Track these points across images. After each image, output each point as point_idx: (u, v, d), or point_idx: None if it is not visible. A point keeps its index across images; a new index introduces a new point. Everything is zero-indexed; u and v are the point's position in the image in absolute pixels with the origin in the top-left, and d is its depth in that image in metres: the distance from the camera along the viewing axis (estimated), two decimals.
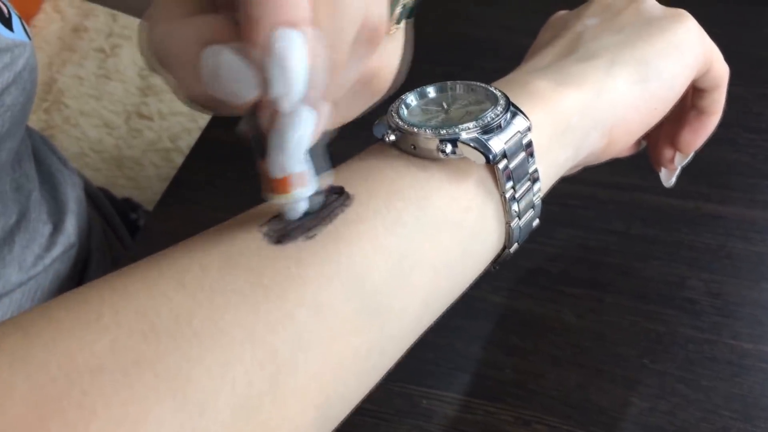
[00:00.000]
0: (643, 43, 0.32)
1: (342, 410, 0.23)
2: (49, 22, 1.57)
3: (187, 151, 0.58)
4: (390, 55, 0.22)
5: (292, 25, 0.18)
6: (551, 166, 0.29)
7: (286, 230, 0.23)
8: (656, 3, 0.34)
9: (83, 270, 0.59)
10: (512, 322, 0.44)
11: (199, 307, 0.20)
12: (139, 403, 0.18)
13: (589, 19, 0.34)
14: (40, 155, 0.59)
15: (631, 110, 0.31)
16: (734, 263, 0.44)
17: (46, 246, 0.54)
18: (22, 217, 0.52)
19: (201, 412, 0.19)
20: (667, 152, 0.38)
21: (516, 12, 0.63)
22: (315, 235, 0.22)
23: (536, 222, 0.29)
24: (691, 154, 0.38)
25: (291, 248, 0.22)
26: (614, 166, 0.43)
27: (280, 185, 0.22)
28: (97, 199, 0.71)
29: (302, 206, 0.23)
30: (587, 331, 0.43)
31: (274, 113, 0.19)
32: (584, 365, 0.41)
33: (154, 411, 0.18)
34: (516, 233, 0.27)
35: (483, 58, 0.59)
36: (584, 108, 0.29)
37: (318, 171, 0.22)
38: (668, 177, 0.40)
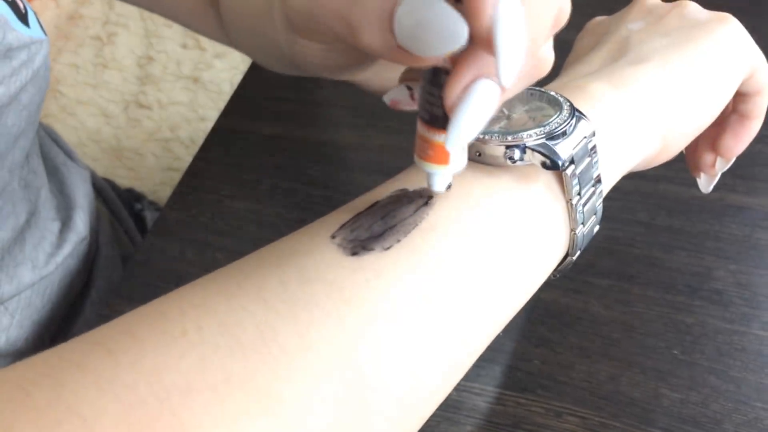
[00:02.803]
0: (692, 45, 0.31)
1: (416, 426, 0.23)
2: (43, 9, 1.55)
3: (187, 142, 0.57)
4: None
5: None
6: (612, 171, 0.28)
7: (359, 241, 0.22)
8: (699, 7, 0.34)
9: (92, 265, 0.58)
10: (539, 313, 0.43)
11: (282, 322, 0.19)
12: (232, 424, 0.17)
13: (632, 24, 0.34)
14: (44, 149, 0.58)
15: (685, 114, 0.30)
16: (760, 254, 0.44)
17: (57, 244, 0.53)
18: (32, 216, 0.51)
19: None
20: (708, 157, 0.37)
21: None
22: (391, 246, 0.22)
23: (596, 228, 0.28)
24: (732, 160, 0.37)
25: (367, 260, 0.21)
26: None
27: (444, 156, 0.21)
28: (103, 190, 0.70)
29: (449, 181, 0.23)
30: (616, 323, 0.42)
31: (470, 85, 0.19)
32: (614, 357, 0.41)
33: None
34: (580, 240, 0.27)
35: None
36: (641, 112, 0.29)
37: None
38: (708, 183, 0.39)
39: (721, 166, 0.37)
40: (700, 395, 0.39)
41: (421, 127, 0.22)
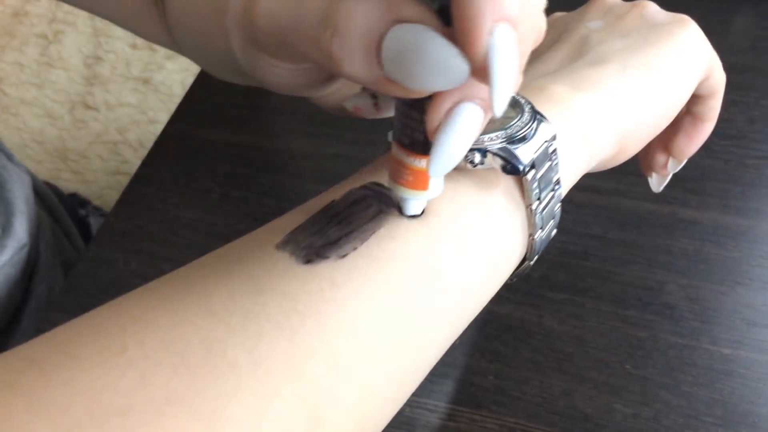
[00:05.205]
0: (651, 48, 0.31)
1: None
2: None
3: (136, 145, 0.55)
4: None
5: (513, 23, 0.16)
6: (570, 174, 0.28)
7: (314, 248, 0.21)
8: (658, 8, 0.34)
9: (32, 273, 0.56)
10: (493, 327, 0.43)
11: (231, 335, 0.18)
12: None
13: (591, 23, 0.33)
14: None
15: (643, 116, 0.30)
16: (710, 268, 0.45)
17: None
18: None
19: None
20: (661, 158, 0.37)
21: None
22: (347, 254, 0.21)
23: (554, 232, 0.28)
24: (684, 161, 0.37)
25: (322, 268, 0.20)
26: None
27: (424, 182, 0.20)
28: (44, 195, 0.67)
29: (424, 206, 0.22)
30: (569, 337, 0.42)
31: (453, 109, 0.18)
32: (567, 371, 0.41)
33: None
34: (538, 245, 0.26)
35: None
36: (600, 114, 0.28)
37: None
38: (659, 183, 0.39)
39: (673, 166, 0.37)
40: (651, 410, 0.39)
41: (398, 152, 0.20)
